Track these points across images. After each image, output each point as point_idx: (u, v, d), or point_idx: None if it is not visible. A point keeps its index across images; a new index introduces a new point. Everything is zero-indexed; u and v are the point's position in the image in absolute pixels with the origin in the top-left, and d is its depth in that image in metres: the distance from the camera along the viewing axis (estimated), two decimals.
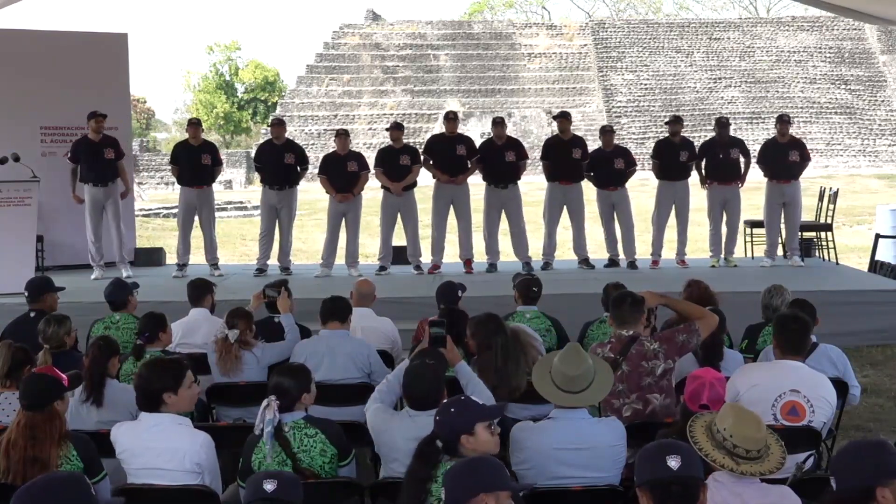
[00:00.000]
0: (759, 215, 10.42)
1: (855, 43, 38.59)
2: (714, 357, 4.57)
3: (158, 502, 3.55)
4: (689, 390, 3.46)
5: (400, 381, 3.92)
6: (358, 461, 3.86)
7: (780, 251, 10.33)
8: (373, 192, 10.30)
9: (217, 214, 10.55)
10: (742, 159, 10.02)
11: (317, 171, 10.16)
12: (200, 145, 9.93)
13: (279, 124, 10.19)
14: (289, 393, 3.65)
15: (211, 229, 9.99)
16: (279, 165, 9.82)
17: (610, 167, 9.97)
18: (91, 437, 3.73)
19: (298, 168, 9.96)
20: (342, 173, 9.74)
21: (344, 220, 9.87)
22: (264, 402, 3.57)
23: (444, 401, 3.23)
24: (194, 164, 9.79)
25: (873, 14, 10.31)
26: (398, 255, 10.12)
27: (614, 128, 10.74)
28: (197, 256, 10.48)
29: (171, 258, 10.62)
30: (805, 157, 10.02)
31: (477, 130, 32.58)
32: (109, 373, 4.45)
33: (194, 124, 10.16)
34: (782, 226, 10.19)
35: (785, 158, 9.88)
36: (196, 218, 9.95)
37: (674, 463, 2.52)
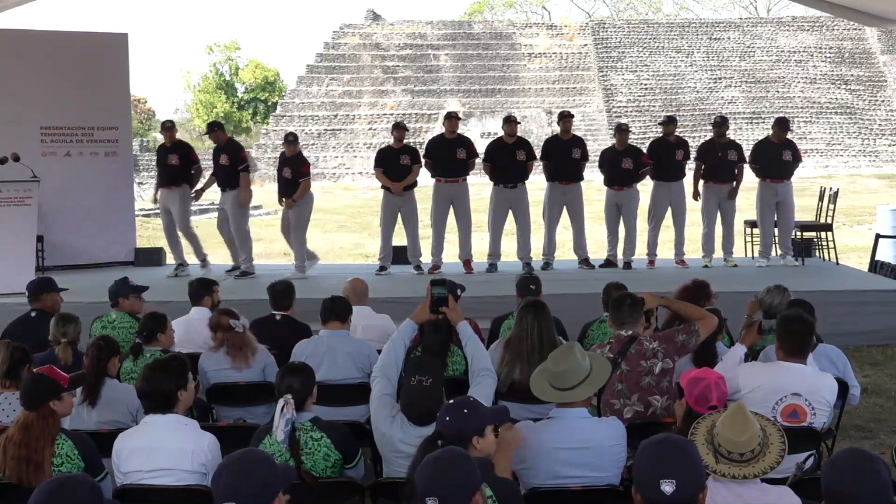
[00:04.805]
0: (755, 215, 10.42)
1: (855, 43, 38.57)
2: (709, 358, 4.56)
3: (160, 502, 3.55)
4: (695, 393, 3.40)
5: (405, 340, 4.02)
6: None
7: (776, 251, 10.35)
8: (373, 191, 10.30)
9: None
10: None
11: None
12: (171, 146, 9.95)
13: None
14: (299, 393, 3.66)
15: (186, 228, 10.01)
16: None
17: (617, 166, 9.97)
18: (91, 436, 3.74)
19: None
20: (280, 179, 9.82)
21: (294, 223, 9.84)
22: (281, 402, 3.56)
23: (451, 401, 3.20)
24: (164, 164, 9.87)
25: (873, 14, 10.30)
26: (398, 255, 10.13)
27: (628, 127, 10.59)
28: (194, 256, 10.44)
29: (172, 258, 10.62)
30: (797, 158, 10.06)
31: (477, 130, 32.58)
32: (109, 373, 4.45)
33: (166, 128, 10.15)
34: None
35: (779, 158, 9.90)
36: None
37: (667, 488, 2.45)
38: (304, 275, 9.60)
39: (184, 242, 10.27)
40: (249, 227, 10.11)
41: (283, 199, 9.78)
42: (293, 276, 9.52)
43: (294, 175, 9.64)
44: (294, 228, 9.79)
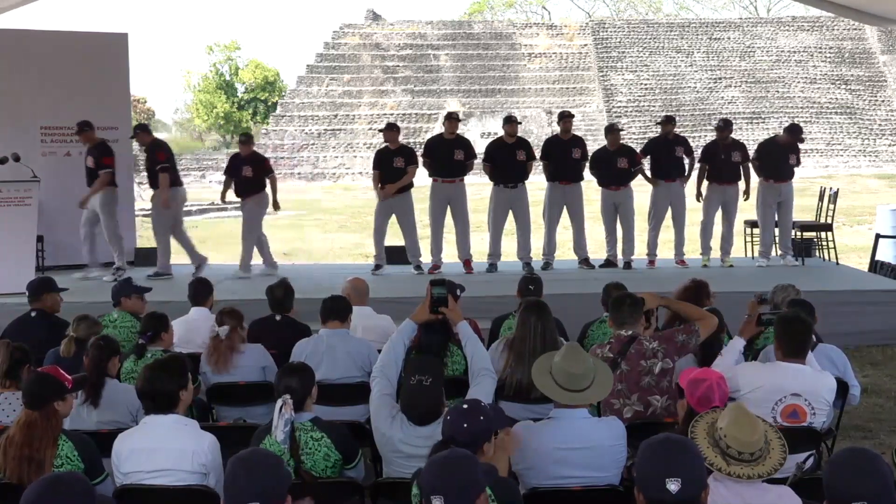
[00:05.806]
0: (755, 215, 10.42)
1: (855, 43, 38.58)
2: (713, 359, 4.56)
3: (160, 503, 3.55)
4: (697, 394, 3.40)
5: (405, 340, 4.03)
6: None
7: (775, 251, 10.36)
8: (373, 191, 10.29)
9: (216, 215, 10.52)
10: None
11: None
12: (88, 147, 9.63)
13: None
14: (297, 393, 3.65)
15: (113, 231, 9.76)
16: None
17: (613, 166, 9.97)
18: (91, 437, 3.74)
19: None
20: (240, 179, 9.76)
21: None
22: (279, 402, 3.56)
23: (464, 406, 3.17)
24: (85, 164, 9.66)
25: (874, 13, 10.31)
26: (396, 256, 10.12)
27: (621, 127, 10.62)
28: (183, 256, 10.37)
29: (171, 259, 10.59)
30: (799, 161, 10.12)
31: (477, 130, 32.58)
32: (109, 373, 4.45)
33: (83, 130, 9.61)
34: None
35: (785, 161, 9.94)
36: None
37: (673, 486, 2.45)
38: (248, 275, 9.62)
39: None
40: (184, 228, 10.08)
41: (243, 198, 9.75)
42: (235, 277, 9.58)
43: (255, 173, 9.65)
44: (245, 228, 9.77)
